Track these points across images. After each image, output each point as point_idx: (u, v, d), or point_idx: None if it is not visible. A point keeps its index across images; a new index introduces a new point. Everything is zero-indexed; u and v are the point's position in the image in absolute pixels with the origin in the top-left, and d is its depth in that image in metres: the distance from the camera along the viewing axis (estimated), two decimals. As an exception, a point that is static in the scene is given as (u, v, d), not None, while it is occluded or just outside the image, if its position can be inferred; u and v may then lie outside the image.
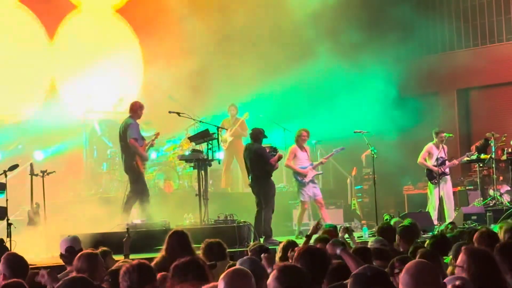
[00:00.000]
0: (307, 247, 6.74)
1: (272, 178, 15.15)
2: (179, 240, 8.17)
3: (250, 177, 15.12)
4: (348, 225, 11.81)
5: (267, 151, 15.03)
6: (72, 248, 8.71)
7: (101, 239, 11.85)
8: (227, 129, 18.69)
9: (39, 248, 13.24)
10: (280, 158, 15.20)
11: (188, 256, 6.31)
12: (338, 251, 7.09)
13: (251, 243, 11.76)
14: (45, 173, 14.28)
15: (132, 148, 14.71)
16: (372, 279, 4.98)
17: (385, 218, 15.65)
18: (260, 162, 14.86)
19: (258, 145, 15.00)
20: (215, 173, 19.05)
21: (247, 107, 19.82)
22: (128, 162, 14.84)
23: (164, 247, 8.27)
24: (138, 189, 14.83)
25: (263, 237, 14.33)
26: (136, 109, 14.99)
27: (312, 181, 16.89)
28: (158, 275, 6.24)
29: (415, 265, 4.96)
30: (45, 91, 20.17)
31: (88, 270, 7.21)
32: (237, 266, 5.95)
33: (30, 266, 7.60)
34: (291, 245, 8.24)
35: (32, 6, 19.99)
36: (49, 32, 20.34)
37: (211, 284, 5.33)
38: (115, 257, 9.01)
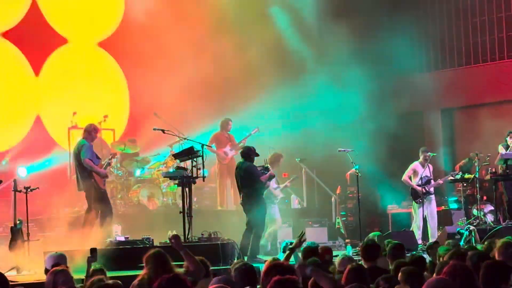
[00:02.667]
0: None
1: (263, 196, 15.22)
2: (157, 262, 8.06)
3: (241, 195, 15.14)
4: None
5: (259, 169, 15.10)
6: (57, 265, 8.66)
7: (83, 256, 11.80)
8: (208, 146, 18.50)
9: (21, 264, 13.20)
10: (271, 177, 15.36)
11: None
12: (308, 271, 6.99)
13: (235, 260, 11.71)
14: (29, 189, 14.25)
15: (88, 168, 14.72)
16: None
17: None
18: (250, 180, 14.85)
19: (249, 163, 15.01)
20: (199, 191, 19.02)
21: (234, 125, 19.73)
22: (85, 181, 14.83)
23: (145, 267, 8.15)
24: (101, 207, 14.80)
25: (248, 255, 14.30)
26: (90, 131, 15.05)
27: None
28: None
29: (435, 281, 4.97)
30: (30, 127, 20.17)
31: (54, 286, 7.21)
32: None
33: (10, 283, 7.55)
34: (275, 265, 8.18)
35: (17, 41, 19.99)
36: (35, 67, 20.34)
37: None
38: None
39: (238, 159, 17.50)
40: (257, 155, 15.22)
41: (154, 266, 7.96)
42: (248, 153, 15.10)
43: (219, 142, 19.18)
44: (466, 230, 15.35)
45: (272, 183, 17.08)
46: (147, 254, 8.22)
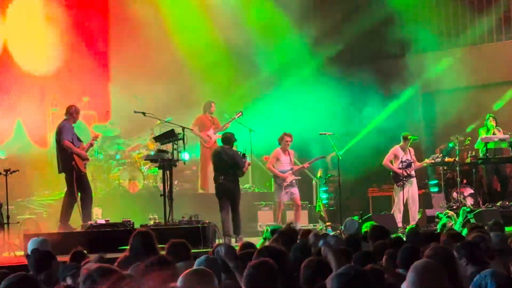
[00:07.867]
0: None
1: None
2: (143, 241, 8.13)
3: (221, 177, 15.46)
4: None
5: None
6: (37, 250, 8.60)
7: (64, 239, 11.84)
8: (192, 129, 18.39)
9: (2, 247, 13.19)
10: (248, 165, 16.03)
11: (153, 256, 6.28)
12: (320, 244, 6.83)
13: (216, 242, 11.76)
14: (9, 172, 14.18)
15: (68, 150, 14.69)
16: (356, 278, 4.77)
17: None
18: (234, 166, 15.47)
19: (233, 149, 15.60)
20: (180, 174, 18.99)
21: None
22: (65, 163, 14.79)
23: (128, 247, 8.22)
24: (81, 190, 14.82)
25: (234, 234, 14.59)
26: (72, 112, 15.07)
27: (291, 185, 17.27)
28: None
29: (423, 264, 4.94)
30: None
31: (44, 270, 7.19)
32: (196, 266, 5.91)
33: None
34: (247, 247, 8.20)
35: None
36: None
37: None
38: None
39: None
40: (236, 140, 15.83)
41: (138, 245, 8.00)
42: (231, 139, 15.68)
43: (203, 125, 19.07)
44: (444, 215, 15.40)
45: (284, 165, 17.28)
46: (135, 231, 8.27)
